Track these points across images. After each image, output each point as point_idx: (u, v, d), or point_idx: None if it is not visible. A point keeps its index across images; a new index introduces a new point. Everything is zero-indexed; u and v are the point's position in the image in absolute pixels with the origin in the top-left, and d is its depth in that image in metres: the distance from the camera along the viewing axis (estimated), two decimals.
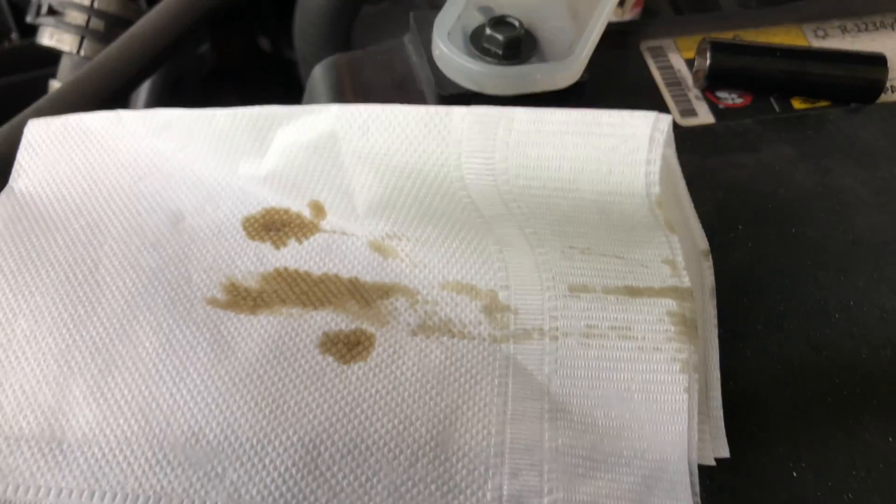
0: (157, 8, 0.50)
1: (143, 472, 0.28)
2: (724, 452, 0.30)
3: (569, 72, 0.36)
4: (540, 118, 0.27)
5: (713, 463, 0.30)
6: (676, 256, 0.28)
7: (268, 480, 0.28)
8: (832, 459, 0.31)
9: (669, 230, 0.27)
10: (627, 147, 0.25)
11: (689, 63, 0.43)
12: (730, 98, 0.41)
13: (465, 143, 0.28)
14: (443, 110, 0.29)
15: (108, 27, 0.55)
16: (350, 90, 0.40)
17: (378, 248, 0.34)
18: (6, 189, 0.35)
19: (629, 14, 0.46)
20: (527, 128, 0.27)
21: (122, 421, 0.29)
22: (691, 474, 0.29)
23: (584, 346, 0.31)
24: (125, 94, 0.48)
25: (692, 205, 0.29)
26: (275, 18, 0.79)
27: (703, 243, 0.31)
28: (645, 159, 0.25)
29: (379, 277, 0.33)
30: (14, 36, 0.69)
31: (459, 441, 0.29)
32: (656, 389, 0.30)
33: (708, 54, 0.40)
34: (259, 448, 0.28)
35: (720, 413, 0.30)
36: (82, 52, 0.54)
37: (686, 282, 0.29)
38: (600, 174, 0.26)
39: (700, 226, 0.30)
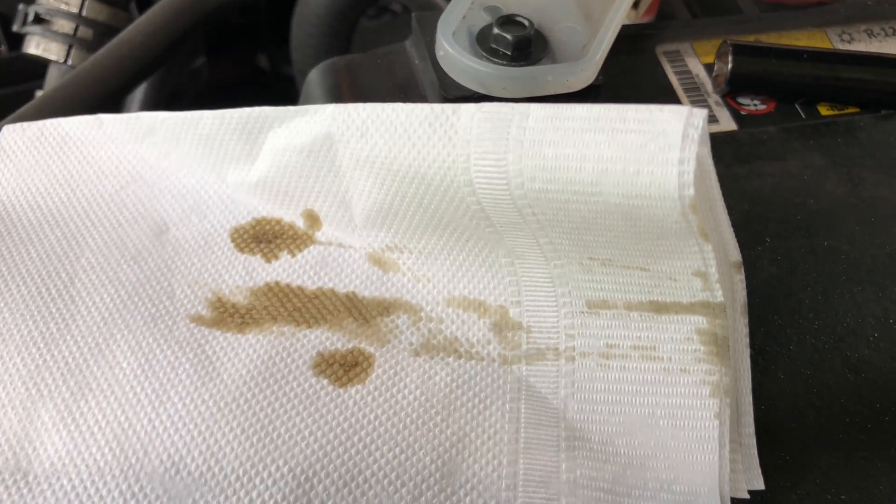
0: (147, 14, 0.48)
1: None
2: (759, 484, 0.28)
3: (583, 73, 0.34)
4: (558, 114, 0.25)
5: (747, 496, 0.27)
6: (709, 268, 0.26)
7: None
8: (872, 490, 0.29)
9: (703, 238, 0.24)
10: (657, 145, 0.23)
11: (708, 67, 0.41)
12: (752, 104, 0.39)
13: (474, 144, 0.26)
14: (449, 108, 0.27)
15: (96, 36, 0.53)
16: (348, 94, 0.38)
17: (377, 261, 0.32)
18: None
19: (643, 18, 0.44)
20: (543, 125, 0.25)
21: (94, 450, 0.26)
22: None
23: (603, 368, 0.28)
24: (114, 102, 0.47)
25: (726, 211, 0.27)
26: (272, 35, 0.78)
27: (735, 254, 0.28)
28: (678, 158, 0.22)
29: (378, 293, 0.31)
30: (2, 48, 0.68)
31: (467, 472, 0.27)
32: (684, 415, 0.27)
33: (729, 57, 0.38)
34: (246, 480, 0.26)
35: (753, 441, 0.28)
36: (70, 62, 0.53)
37: (719, 296, 0.26)
38: (626, 175, 0.23)
39: (733, 234, 0.28)
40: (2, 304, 0.30)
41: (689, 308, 0.27)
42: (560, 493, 0.27)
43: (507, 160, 0.25)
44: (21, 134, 0.35)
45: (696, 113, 0.23)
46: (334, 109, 0.29)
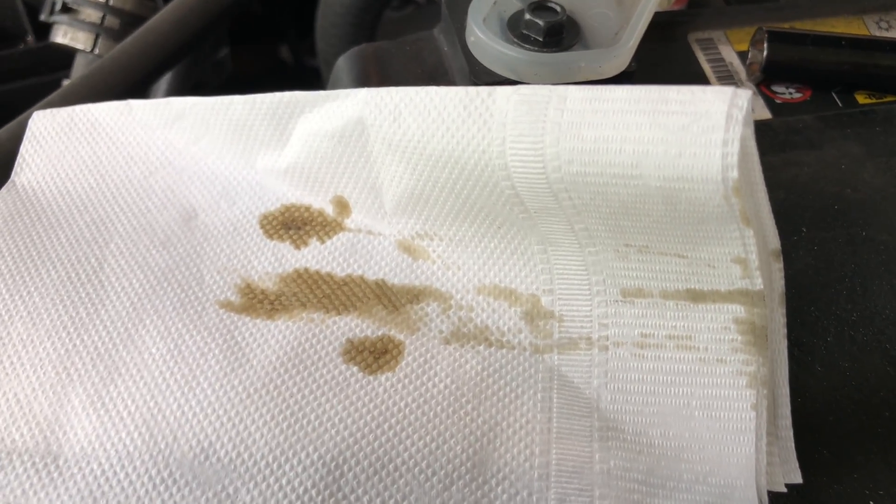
0: (173, 4, 0.48)
1: (147, 491, 0.25)
2: (797, 477, 0.27)
3: (616, 59, 0.33)
4: (597, 96, 0.24)
5: (784, 489, 0.27)
6: (750, 254, 0.25)
7: (285, 503, 0.25)
8: None
9: (745, 223, 0.24)
10: (701, 126, 0.22)
11: (742, 55, 0.40)
12: (787, 92, 0.38)
13: (510, 127, 0.25)
14: (484, 91, 0.26)
15: (123, 25, 0.53)
16: (376, 81, 0.38)
17: (407, 248, 0.31)
18: (8, 183, 0.34)
19: (675, 5, 0.44)
20: (582, 107, 0.24)
21: (124, 434, 0.26)
22: (760, 502, 0.26)
23: (637, 358, 0.28)
24: (139, 92, 0.46)
25: (767, 196, 0.26)
26: (294, 26, 0.78)
27: (774, 241, 0.27)
28: (721, 140, 0.22)
29: (408, 280, 0.31)
30: (30, 38, 0.68)
31: (499, 462, 0.26)
32: (720, 406, 0.27)
33: (765, 44, 0.37)
34: (275, 467, 0.26)
35: (790, 433, 0.27)
36: (97, 51, 0.53)
37: (758, 284, 0.26)
38: (668, 157, 0.23)
39: (773, 221, 0.27)
40: (32, 289, 0.29)
41: (728, 296, 0.26)
42: (593, 484, 0.26)
43: (544, 143, 0.25)
44: (51, 120, 0.35)
45: (740, 94, 0.22)
46: (366, 93, 0.29)
